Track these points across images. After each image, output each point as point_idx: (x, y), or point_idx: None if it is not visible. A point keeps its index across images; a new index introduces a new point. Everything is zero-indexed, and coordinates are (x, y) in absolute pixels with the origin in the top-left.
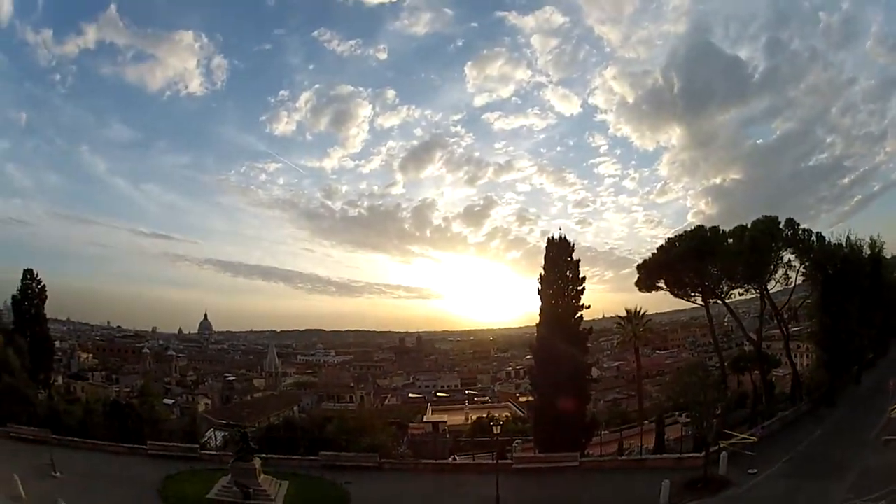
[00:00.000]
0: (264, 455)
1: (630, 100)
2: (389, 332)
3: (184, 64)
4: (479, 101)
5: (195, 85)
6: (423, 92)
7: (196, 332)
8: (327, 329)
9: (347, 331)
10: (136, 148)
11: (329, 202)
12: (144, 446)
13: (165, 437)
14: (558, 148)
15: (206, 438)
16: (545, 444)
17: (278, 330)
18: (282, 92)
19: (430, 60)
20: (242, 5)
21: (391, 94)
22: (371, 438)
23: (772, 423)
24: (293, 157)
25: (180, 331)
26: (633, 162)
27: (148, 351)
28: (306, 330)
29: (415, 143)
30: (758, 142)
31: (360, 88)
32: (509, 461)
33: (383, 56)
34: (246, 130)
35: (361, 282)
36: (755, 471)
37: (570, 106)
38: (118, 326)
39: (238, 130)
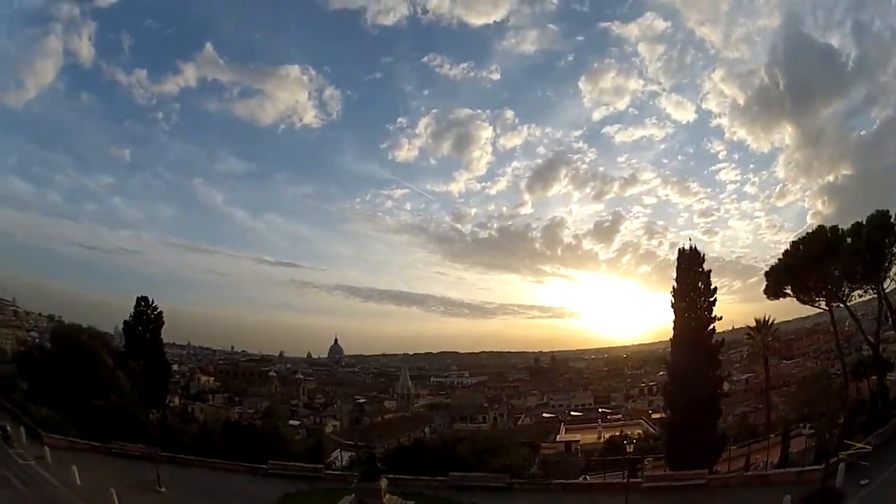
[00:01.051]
0: (391, 475)
1: (741, 101)
2: (524, 352)
3: (294, 97)
4: (596, 115)
5: (309, 117)
6: (541, 110)
7: (326, 356)
8: (462, 351)
9: (482, 352)
10: (252, 179)
11: (458, 225)
12: (265, 466)
13: (289, 457)
14: (679, 157)
15: (331, 459)
16: (675, 462)
17: (411, 353)
18: (399, 119)
19: (543, 78)
20: (345, 37)
21: (510, 114)
22: (502, 459)
23: (885, 430)
24: (418, 183)
25: (309, 355)
26: (752, 166)
27: (274, 374)
28: (440, 352)
29: (539, 161)
30: (861, 133)
31: (479, 110)
32: (639, 480)
33: (496, 76)
34: (367, 159)
35: (495, 303)
36: (867, 481)
37: (685, 113)
38: (243, 351)
39: (359, 159)
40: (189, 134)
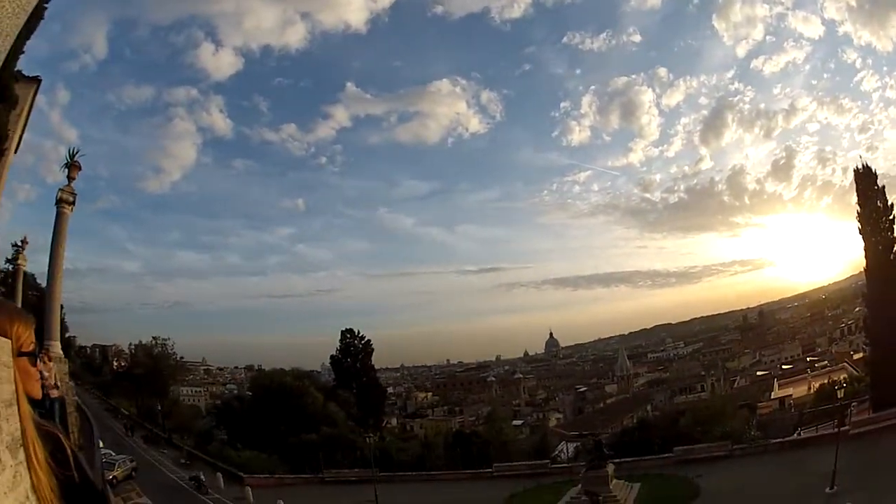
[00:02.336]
0: (617, 460)
1: (853, 2)
2: (732, 311)
3: (454, 110)
4: (740, 51)
5: (475, 124)
6: (689, 59)
7: (542, 351)
8: (674, 321)
9: (692, 319)
10: (437, 197)
11: (648, 195)
12: (489, 469)
13: (514, 457)
14: (824, 75)
15: (556, 452)
16: (881, 402)
17: (626, 333)
18: (562, 104)
19: (679, 26)
20: (480, 40)
21: (663, 71)
22: (723, 425)
23: None
24: (599, 162)
25: (526, 353)
26: (885, 67)
27: (493, 378)
28: (654, 326)
29: (704, 112)
30: None
31: (633, 76)
32: (847, 427)
33: (637, 38)
34: (543, 149)
35: (698, 266)
36: None
37: (813, 27)
38: (459, 362)
39: (535, 152)
40: (360, 169)
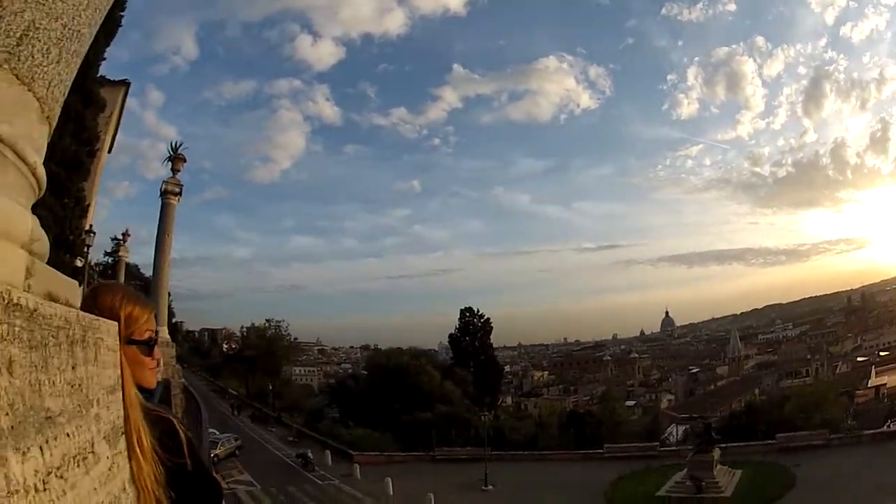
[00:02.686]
0: (723, 444)
1: None
2: (838, 292)
3: (563, 86)
4: (828, 17)
5: (585, 100)
6: (783, 27)
7: (658, 330)
8: (783, 302)
9: (801, 299)
10: (552, 174)
11: (757, 169)
12: (601, 450)
13: (626, 438)
14: None
15: (665, 435)
16: None
17: (738, 312)
18: (668, 77)
19: None
20: (581, 16)
21: (760, 40)
22: (822, 413)
23: None
24: (708, 135)
25: (642, 332)
26: None
27: (609, 358)
28: (764, 307)
29: (804, 82)
30: None
31: (733, 46)
32: None
33: (732, 6)
34: (654, 123)
35: (806, 244)
36: None
37: None
38: (576, 341)
39: (647, 126)
40: (473, 149)
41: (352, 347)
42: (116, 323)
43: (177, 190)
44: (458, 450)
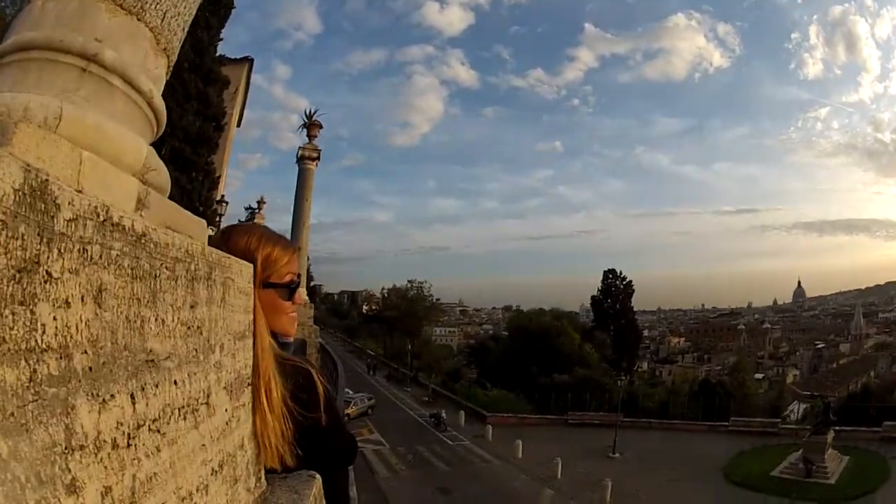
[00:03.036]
0: (838, 427)
1: None
2: None
3: (694, 44)
4: None
5: (717, 58)
6: None
7: (790, 301)
8: None
9: None
10: (690, 134)
11: (879, 135)
12: (726, 423)
13: (751, 412)
14: None
15: (787, 411)
16: None
17: (862, 287)
18: (792, 35)
19: None
20: None
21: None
22: None
23: None
24: (834, 97)
25: (775, 302)
26: None
27: (743, 327)
28: (886, 283)
29: None
30: None
31: (846, 4)
32: None
33: None
34: (783, 83)
35: None
36: None
37: None
38: (713, 307)
39: (776, 85)
40: (613, 108)
41: (493, 308)
42: (251, 265)
43: (314, 155)
44: (591, 414)
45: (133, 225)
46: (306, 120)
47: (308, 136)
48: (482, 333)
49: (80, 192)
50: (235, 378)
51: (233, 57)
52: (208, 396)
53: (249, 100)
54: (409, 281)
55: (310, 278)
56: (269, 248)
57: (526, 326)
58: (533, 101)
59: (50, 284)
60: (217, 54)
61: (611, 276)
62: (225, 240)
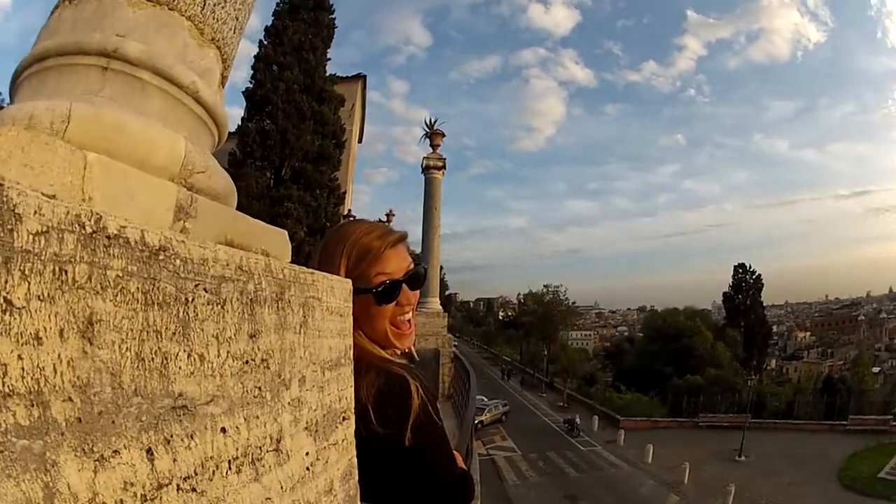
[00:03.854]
0: None
1: None
2: None
3: (791, 21)
4: None
5: (813, 33)
6: None
7: None
8: None
9: None
10: (803, 116)
11: None
12: (844, 422)
13: (868, 409)
14: None
15: None
16: None
17: None
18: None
19: None
20: None
21: None
22: None
23: None
24: None
25: (891, 290)
26: None
27: (863, 318)
28: None
29: None
30: None
31: None
32: None
33: None
34: (875, 52)
35: None
36: None
37: None
38: (836, 298)
39: (873, 55)
40: (728, 96)
41: (629, 309)
42: (347, 278)
43: (439, 164)
44: (720, 416)
45: (143, 237)
46: (428, 130)
47: (431, 145)
48: (618, 335)
49: (86, 200)
50: (325, 414)
51: (344, 75)
52: (278, 441)
53: (369, 115)
54: (544, 286)
55: (444, 287)
56: (363, 242)
57: (660, 327)
58: (651, 94)
59: (10, 315)
60: (327, 74)
61: (741, 270)
62: (323, 245)
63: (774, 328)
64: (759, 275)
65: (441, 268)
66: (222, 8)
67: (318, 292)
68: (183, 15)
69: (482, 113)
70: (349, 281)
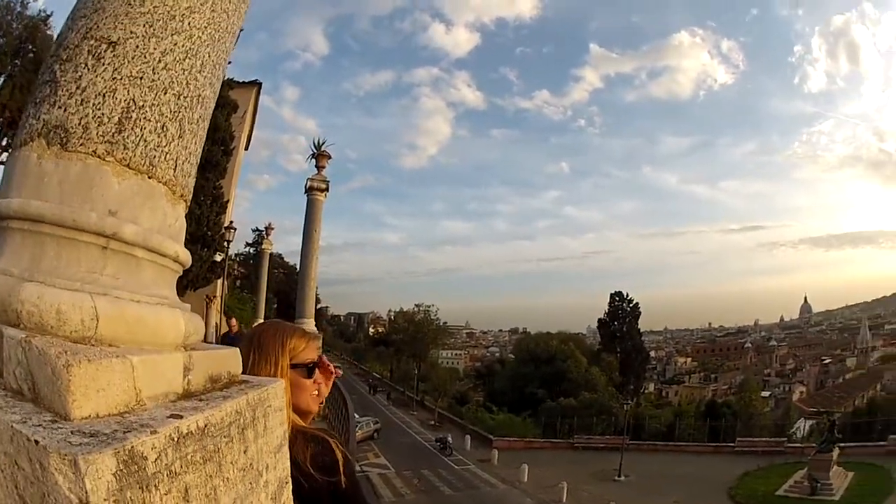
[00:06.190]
0: (843, 444)
1: None
2: None
3: (698, 61)
4: None
5: (721, 74)
6: None
7: (797, 317)
8: None
9: None
10: (697, 152)
11: (884, 145)
12: (732, 444)
13: (757, 431)
14: None
15: (793, 429)
16: None
17: (869, 300)
18: (795, 48)
19: None
20: None
21: (868, 7)
22: None
23: None
24: (838, 109)
25: (781, 319)
26: None
27: (750, 345)
28: (892, 294)
29: None
30: None
31: (847, 13)
32: None
33: None
34: (788, 97)
35: None
36: None
37: None
38: (719, 326)
39: (781, 99)
40: (619, 129)
41: (500, 331)
42: (282, 381)
43: (323, 186)
44: (596, 438)
45: (197, 424)
46: (315, 150)
47: (317, 166)
48: (489, 356)
49: (137, 394)
50: (278, 486)
51: (241, 80)
52: None
53: (258, 121)
54: (416, 304)
55: (317, 301)
56: (292, 340)
57: (532, 350)
58: (540, 122)
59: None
60: (225, 78)
61: (617, 298)
62: (257, 339)
63: (653, 353)
64: (637, 303)
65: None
66: (187, 163)
67: (270, 399)
68: (160, 181)
69: (369, 127)
70: (282, 381)
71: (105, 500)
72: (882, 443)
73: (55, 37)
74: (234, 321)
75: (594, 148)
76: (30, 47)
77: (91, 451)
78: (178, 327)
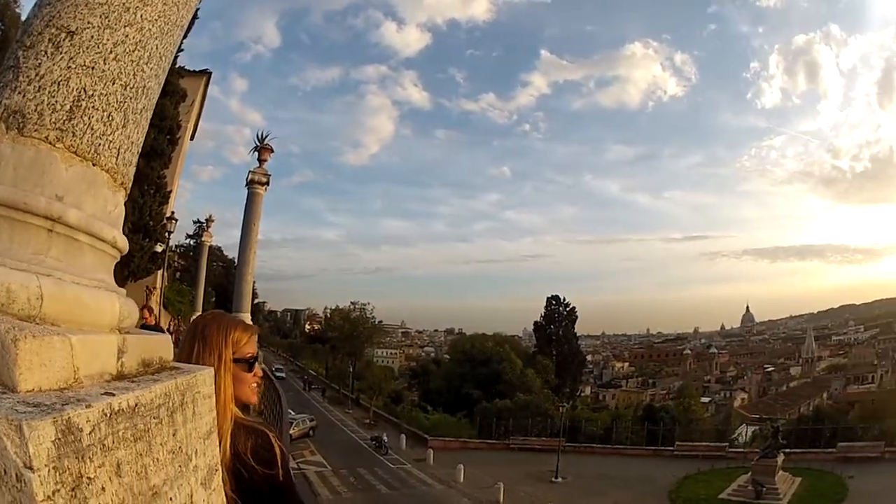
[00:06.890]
0: (788, 450)
1: None
2: None
3: (650, 73)
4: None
5: (672, 87)
6: (855, 16)
7: (738, 326)
8: (857, 302)
9: (874, 301)
10: (642, 162)
11: (837, 162)
12: (671, 448)
13: (697, 436)
14: None
15: (735, 435)
16: None
17: (815, 311)
18: (751, 64)
19: None
20: (663, 2)
21: (835, 28)
22: (882, 424)
23: None
24: (792, 126)
25: (722, 327)
26: None
27: (689, 352)
28: (840, 307)
29: (879, 74)
30: None
31: (811, 34)
32: None
33: None
34: (739, 112)
35: (881, 244)
36: None
37: None
38: (658, 332)
39: (732, 114)
40: (564, 135)
41: (436, 331)
42: (210, 368)
43: (264, 180)
44: (532, 439)
45: (128, 402)
46: (258, 143)
47: (259, 159)
48: (424, 356)
49: (75, 371)
50: (208, 471)
51: (192, 69)
52: (192, 498)
53: (205, 112)
54: (352, 302)
55: (254, 295)
56: (235, 333)
57: (468, 351)
58: (484, 125)
59: (90, 486)
60: (176, 66)
61: (554, 301)
62: (201, 329)
63: (590, 357)
64: (574, 307)
65: (252, 278)
66: (128, 152)
67: (199, 385)
68: (103, 168)
69: (314, 122)
70: (211, 370)
71: (46, 465)
72: (831, 450)
73: (22, 18)
74: (146, 313)
75: (537, 153)
76: None
77: (34, 418)
78: (114, 310)
